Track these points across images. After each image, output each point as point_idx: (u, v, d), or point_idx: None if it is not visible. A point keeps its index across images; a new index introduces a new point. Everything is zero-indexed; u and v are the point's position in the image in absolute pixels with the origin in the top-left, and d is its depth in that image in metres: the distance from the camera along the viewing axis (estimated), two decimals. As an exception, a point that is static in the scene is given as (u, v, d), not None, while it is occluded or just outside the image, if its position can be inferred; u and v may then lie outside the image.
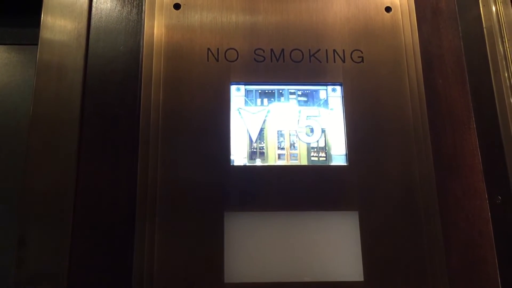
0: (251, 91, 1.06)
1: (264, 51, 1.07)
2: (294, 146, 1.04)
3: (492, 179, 1.03)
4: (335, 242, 0.98)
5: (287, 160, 1.03)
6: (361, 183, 1.01)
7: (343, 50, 1.08)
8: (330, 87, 1.08)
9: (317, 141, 1.04)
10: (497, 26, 1.09)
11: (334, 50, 1.08)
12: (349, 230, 0.98)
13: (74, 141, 1.01)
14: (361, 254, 0.97)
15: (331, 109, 1.07)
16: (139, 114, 1.02)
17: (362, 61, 1.08)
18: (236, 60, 1.06)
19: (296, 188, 1.00)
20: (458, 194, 1.03)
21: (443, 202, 1.02)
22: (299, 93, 1.07)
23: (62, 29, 1.07)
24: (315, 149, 1.04)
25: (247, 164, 1.02)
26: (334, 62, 1.08)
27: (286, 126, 1.05)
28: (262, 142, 1.04)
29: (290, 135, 1.05)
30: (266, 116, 1.05)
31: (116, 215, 0.98)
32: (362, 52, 1.08)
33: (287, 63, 1.07)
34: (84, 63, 1.05)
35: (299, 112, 1.06)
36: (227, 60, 1.06)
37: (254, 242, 0.97)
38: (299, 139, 1.04)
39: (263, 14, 1.09)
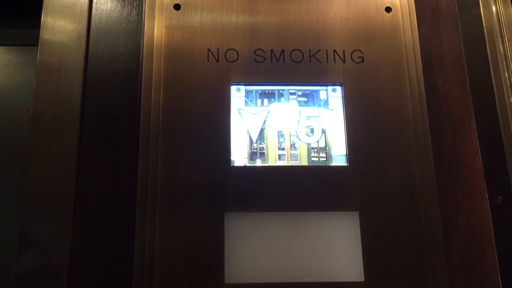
0: (251, 91, 1.06)
1: (264, 52, 1.07)
2: (294, 147, 1.04)
3: (492, 179, 1.03)
4: (336, 242, 0.98)
5: (288, 160, 1.03)
6: (361, 183, 1.01)
7: (343, 51, 1.08)
8: (330, 88, 1.08)
9: (318, 142, 1.04)
10: (497, 26, 1.09)
11: (334, 51, 1.08)
12: (350, 230, 0.98)
13: (74, 141, 1.01)
14: (362, 254, 0.97)
15: (331, 109, 1.06)
16: (139, 115, 1.02)
17: (362, 61, 1.08)
18: (236, 60, 1.06)
19: (296, 189, 1.00)
20: (459, 194, 1.03)
21: (444, 202, 1.02)
22: (299, 93, 1.07)
23: (62, 30, 1.07)
24: (316, 150, 1.04)
25: (248, 164, 1.02)
26: (334, 62, 1.08)
27: (287, 126, 1.05)
28: (263, 143, 1.04)
29: (290, 135, 1.05)
30: (266, 116, 1.05)
31: (116, 216, 0.98)
32: (362, 52, 1.08)
33: (287, 63, 1.07)
34: (84, 63, 1.05)
35: (299, 112, 1.06)
36: (227, 60, 1.06)
37: (254, 243, 0.97)
38: (300, 139, 1.04)
39: (263, 15, 1.09)
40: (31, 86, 1.04)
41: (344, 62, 1.08)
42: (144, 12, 1.08)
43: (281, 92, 1.07)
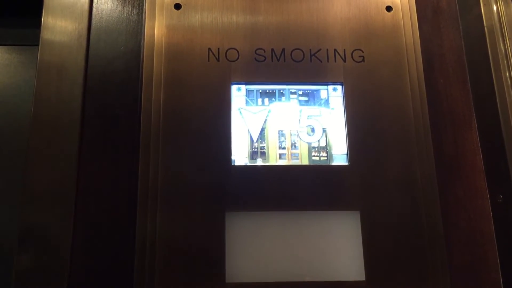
0: (252, 91, 1.06)
1: (264, 51, 1.07)
2: (295, 146, 1.04)
3: (493, 178, 1.03)
4: (337, 241, 0.97)
5: (288, 160, 1.03)
6: (362, 182, 1.00)
7: (344, 50, 1.08)
8: (331, 87, 1.07)
9: (318, 141, 1.04)
10: (498, 25, 1.09)
11: (335, 50, 1.08)
12: (351, 229, 0.98)
13: (74, 141, 1.01)
14: (363, 253, 0.96)
15: (332, 108, 1.06)
16: (140, 115, 1.02)
17: (363, 60, 1.08)
18: (237, 60, 1.06)
19: (297, 188, 0.99)
20: (459, 194, 1.03)
21: (444, 201, 1.02)
22: (300, 92, 1.07)
23: (63, 29, 1.07)
24: (316, 149, 1.04)
25: (248, 164, 1.02)
26: (335, 61, 1.08)
27: (287, 125, 1.05)
28: (263, 142, 1.04)
29: (291, 134, 1.04)
30: (267, 116, 1.05)
31: (117, 215, 0.97)
32: (363, 52, 1.08)
33: (288, 62, 1.07)
34: (84, 63, 1.05)
35: (300, 111, 1.06)
36: (227, 60, 1.06)
37: (255, 242, 0.97)
38: (300, 138, 1.04)
39: (263, 14, 1.09)
40: (31, 86, 1.03)
41: (344, 61, 1.08)
42: (145, 12, 1.09)
43: (281, 91, 1.07)
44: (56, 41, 1.06)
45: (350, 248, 0.97)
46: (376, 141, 1.03)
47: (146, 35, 1.06)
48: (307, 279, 0.95)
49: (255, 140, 1.03)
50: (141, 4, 1.10)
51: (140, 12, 1.10)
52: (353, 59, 1.08)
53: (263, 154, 1.03)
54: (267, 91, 1.07)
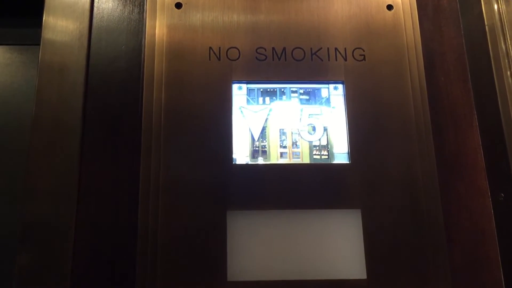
0: (253, 89, 1.06)
1: (266, 50, 1.07)
2: (296, 145, 1.04)
3: (495, 176, 1.03)
4: (338, 240, 0.97)
5: (290, 158, 1.03)
6: (363, 181, 1.00)
7: (345, 48, 1.08)
8: (332, 85, 1.08)
9: (319, 140, 1.04)
10: (499, 24, 1.10)
11: (336, 49, 1.08)
12: (352, 228, 0.98)
13: (76, 141, 1.01)
14: (364, 252, 0.96)
15: (333, 107, 1.06)
16: (141, 114, 1.02)
17: (364, 59, 1.08)
18: (238, 59, 1.06)
19: (298, 187, 0.99)
20: (461, 192, 1.03)
21: (446, 200, 1.02)
22: (301, 91, 1.07)
23: (64, 29, 1.07)
24: (317, 148, 1.04)
25: (249, 162, 1.02)
26: (336, 60, 1.08)
27: (288, 124, 1.05)
28: (264, 141, 1.04)
29: (292, 133, 1.04)
30: (268, 114, 1.05)
31: (118, 215, 0.98)
32: (363, 50, 1.08)
33: (289, 61, 1.07)
34: (86, 63, 1.05)
35: (301, 110, 1.06)
36: (228, 59, 1.06)
37: (256, 241, 0.97)
38: (301, 137, 1.04)
39: (264, 13, 1.09)
40: (32, 86, 1.04)
41: (345, 60, 1.08)
42: (146, 11, 1.09)
43: (282, 90, 1.07)
44: (57, 40, 1.06)
45: (351, 246, 0.97)
46: (377, 139, 1.03)
47: (147, 34, 1.06)
48: (308, 277, 0.95)
49: (256, 138, 1.03)
50: (142, 3, 1.10)
51: (141, 11, 1.10)
52: (354, 58, 1.08)
53: (264, 152, 1.03)
54: (268, 90, 1.07)
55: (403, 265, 0.97)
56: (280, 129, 1.05)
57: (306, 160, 1.03)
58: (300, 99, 1.07)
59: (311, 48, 1.08)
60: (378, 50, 1.09)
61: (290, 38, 1.08)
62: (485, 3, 1.12)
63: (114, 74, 1.06)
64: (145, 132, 1.01)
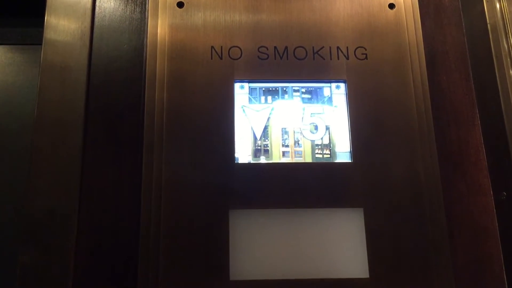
0: (255, 88, 1.06)
1: (267, 49, 1.07)
2: (298, 144, 1.04)
3: (497, 175, 1.03)
4: (340, 239, 0.97)
5: (292, 157, 1.03)
6: (365, 180, 1.00)
7: (347, 47, 1.08)
8: (334, 84, 1.07)
9: (322, 138, 1.04)
10: (501, 22, 1.09)
11: (338, 47, 1.08)
12: (354, 227, 0.98)
13: (78, 140, 1.01)
14: (366, 251, 0.96)
15: (335, 106, 1.06)
16: (143, 113, 1.02)
17: (366, 58, 1.08)
18: (239, 58, 1.06)
19: (300, 186, 0.99)
20: (463, 190, 1.03)
21: (448, 198, 1.02)
22: (303, 90, 1.07)
23: (66, 28, 1.07)
24: (320, 146, 1.04)
25: (252, 161, 1.02)
26: (338, 59, 1.08)
27: (290, 123, 1.05)
28: (267, 140, 1.04)
29: (294, 132, 1.04)
30: (270, 113, 1.05)
31: (120, 214, 0.98)
32: (365, 49, 1.08)
33: (291, 60, 1.07)
34: (88, 62, 1.05)
35: (303, 109, 1.06)
36: (230, 58, 1.06)
37: (259, 240, 0.97)
38: (304, 136, 1.04)
39: (266, 12, 1.09)
40: (34, 85, 1.04)
41: (347, 59, 1.08)
42: (148, 10, 1.09)
43: (284, 89, 1.07)
44: (59, 40, 1.06)
45: (354, 245, 0.97)
46: (379, 138, 1.03)
47: (149, 33, 1.06)
48: (311, 276, 0.95)
49: (258, 137, 1.03)
50: (144, 2, 1.10)
51: (143, 11, 1.10)
52: (356, 57, 1.08)
53: (266, 151, 1.03)
54: (270, 89, 1.07)
55: (405, 264, 0.97)
56: (282, 128, 1.05)
57: (308, 159, 1.03)
58: (302, 98, 1.07)
59: (313, 47, 1.08)
60: (380, 49, 1.08)
61: (292, 37, 1.08)
62: (487, 2, 1.12)
63: (116, 73, 1.06)
64: (147, 131, 1.01)
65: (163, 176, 0.98)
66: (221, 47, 1.07)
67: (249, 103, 1.05)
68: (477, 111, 1.07)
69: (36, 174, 0.98)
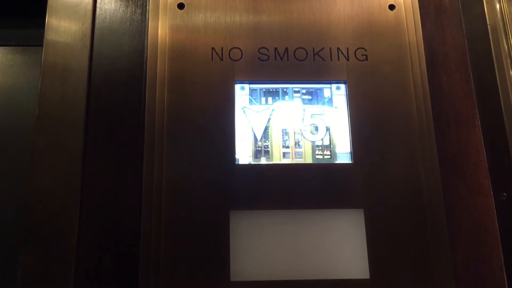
0: (256, 90, 1.07)
1: (268, 50, 1.07)
2: (299, 145, 1.04)
3: (497, 176, 1.03)
4: (341, 240, 0.98)
5: (292, 158, 1.03)
6: (366, 180, 1.01)
7: (347, 48, 1.08)
8: (334, 85, 1.08)
9: (322, 139, 1.05)
10: (501, 23, 1.09)
11: (338, 49, 1.08)
12: (355, 228, 0.98)
13: (79, 141, 1.01)
14: (367, 251, 0.97)
15: (335, 107, 1.07)
16: (144, 114, 1.02)
17: (366, 59, 1.08)
18: (240, 59, 1.06)
19: (301, 187, 1.00)
20: (463, 191, 1.03)
21: (448, 199, 1.02)
22: (304, 91, 1.07)
23: (67, 30, 1.07)
24: (320, 147, 1.04)
25: (252, 162, 1.02)
26: (338, 60, 1.08)
27: (291, 124, 1.05)
28: (267, 141, 1.04)
29: (294, 133, 1.05)
30: (270, 114, 1.05)
31: (121, 215, 0.98)
32: (366, 50, 1.08)
33: (291, 61, 1.07)
34: (88, 63, 1.06)
35: (304, 110, 1.06)
36: (231, 59, 1.06)
37: (259, 241, 0.97)
38: (304, 137, 1.04)
39: (266, 13, 1.10)
40: (35, 86, 1.04)
41: (348, 60, 1.08)
42: (148, 12, 1.09)
43: (285, 90, 1.07)
44: (60, 41, 1.06)
45: (355, 246, 0.97)
46: (379, 139, 1.03)
47: (149, 34, 1.07)
48: (311, 277, 0.95)
49: (259, 139, 1.04)
50: (144, 4, 1.10)
51: (144, 12, 1.10)
52: (356, 58, 1.08)
53: (267, 152, 1.03)
54: (271, 90, 1.07)
55: (406, 265, 0.97)
56: (282, 129, 1.05)
57: (308, 160, 1.03)
58: (303, 99, 1.07)
59: (313, 48, 1.08)
60: (380, 50, 1.09)
61: (292, 38, 1.08)
62: (487, 3, 1.12)
63: (117, 74, 1.06)
64: (147, 132, 1.01)
65: (164, 177, 0.98)
66: (222, 48, 1.07)
67: (250, 104, 1.06)
68: (477, 112, 1.08)
69: (37, 175, 0.98)
